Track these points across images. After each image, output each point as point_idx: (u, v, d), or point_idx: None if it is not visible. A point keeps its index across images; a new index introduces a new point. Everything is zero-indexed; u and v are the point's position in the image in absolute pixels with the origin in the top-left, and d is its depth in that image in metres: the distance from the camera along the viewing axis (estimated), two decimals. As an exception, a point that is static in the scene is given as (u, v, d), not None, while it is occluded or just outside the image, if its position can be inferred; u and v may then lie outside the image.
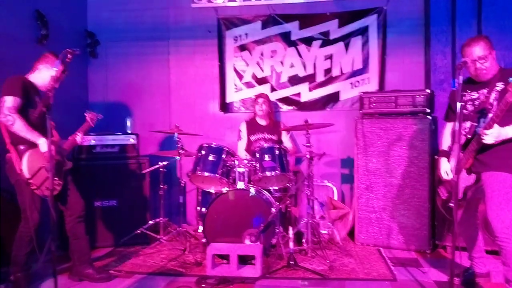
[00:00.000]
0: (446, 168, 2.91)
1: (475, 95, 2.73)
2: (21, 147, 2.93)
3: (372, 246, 4.02)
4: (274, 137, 4.48)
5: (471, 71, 2.68)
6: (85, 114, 3.44)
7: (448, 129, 3.02)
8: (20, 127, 2.85)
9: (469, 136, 2.67)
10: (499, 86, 2.59)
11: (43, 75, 3.05)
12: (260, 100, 4.49)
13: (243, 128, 4.58)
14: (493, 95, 2.61)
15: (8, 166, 2.98)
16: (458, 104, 2.41)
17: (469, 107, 2.74)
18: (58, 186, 3.08)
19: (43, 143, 2.92)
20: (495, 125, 2.45)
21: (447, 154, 2.95)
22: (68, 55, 2.59)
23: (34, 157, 2.93)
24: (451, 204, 2.72)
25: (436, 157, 3.59)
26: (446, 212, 2.92)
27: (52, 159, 2.84)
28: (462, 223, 2.92)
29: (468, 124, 2.69)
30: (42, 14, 4.16)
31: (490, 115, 2.52)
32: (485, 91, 2.68)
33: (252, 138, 4.50)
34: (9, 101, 2.85)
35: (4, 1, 3.76)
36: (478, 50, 2.61)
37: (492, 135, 2.47)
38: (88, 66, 5.19)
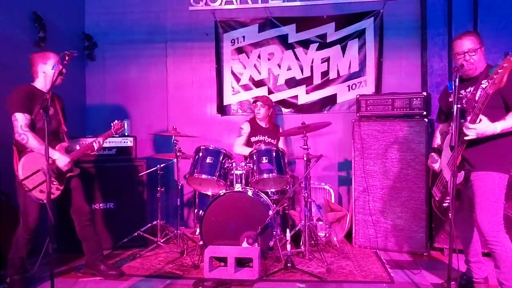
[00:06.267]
0: (436, 160, 2.94)
1: (462, 93, 2.74)
2: (21, 149, 2.98)
3: (369, 248, 4.02)
4: (273, 141, 4.47)
5: (459, 63, 2.67)
6: (112, 124, 3.46)
7: (439, 129, 3.10)
8: (34, 143, 2.93)
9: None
10: (484, 83, 2.57)
11: (47, 73, 3.06)
12: (258, 103, 4.47)
13: (246, 126, 4.52)
14: (479, 93, 2.59)
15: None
16: (455, 107, 2.42)
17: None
18: (57, 190, 3.09)
19: (58, 158, 3.04)
20: (484, 119, 2.43)
21: (437, 150, 2.98)
22: (66, 57, 2.62)
23: (32, 159, 2.94)
24: (445, 204, 2.75)
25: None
26: (440, 213, 2.91)
27: (55, 164, 3.02)
28: (457, 224, 2.91)
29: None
30: (40, 16, 4.16)
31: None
32: (471, 88, 2.69)
33: (253, 139, 4.48)
34: (21, 119, 2.92)
35: (2, 3, 3.77)
36: (468, 43, 2.67)
37: (479, 127, 2.44)
38: (85, 69, 5.19)
